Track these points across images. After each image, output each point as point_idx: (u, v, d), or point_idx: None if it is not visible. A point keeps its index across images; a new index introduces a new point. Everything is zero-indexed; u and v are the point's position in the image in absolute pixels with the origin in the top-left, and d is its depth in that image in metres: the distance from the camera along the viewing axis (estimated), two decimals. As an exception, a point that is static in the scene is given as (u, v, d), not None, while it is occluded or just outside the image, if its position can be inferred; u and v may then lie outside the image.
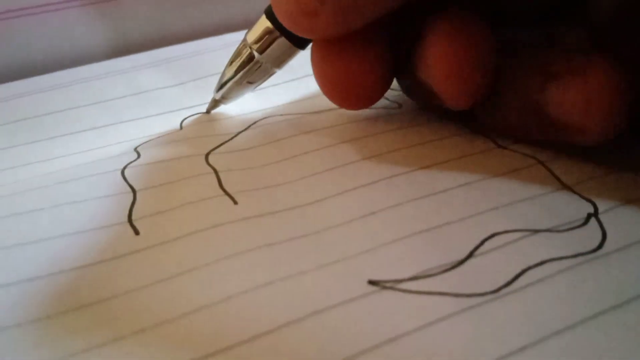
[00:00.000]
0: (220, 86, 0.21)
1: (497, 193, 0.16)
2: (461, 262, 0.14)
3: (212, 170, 0.18)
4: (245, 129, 0.21)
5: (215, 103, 0.22)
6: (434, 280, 0.14)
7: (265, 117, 0.21)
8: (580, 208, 0.16)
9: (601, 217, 0.15)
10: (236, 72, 0.20)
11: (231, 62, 0.20)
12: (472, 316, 0.13)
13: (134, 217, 0.16)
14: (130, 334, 0.12)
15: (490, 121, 0.19)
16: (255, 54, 0.19)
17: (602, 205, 0.16)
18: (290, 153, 0.19)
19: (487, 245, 0.15)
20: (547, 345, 0.12)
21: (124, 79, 0.25)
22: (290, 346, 0.12)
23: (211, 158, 0.19)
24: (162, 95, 0.24)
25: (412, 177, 0.17)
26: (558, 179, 0.17)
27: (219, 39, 0.28)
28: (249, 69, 0.20)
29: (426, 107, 0.21)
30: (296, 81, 0.24)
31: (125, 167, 0.18)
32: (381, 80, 0.19)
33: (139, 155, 0.19)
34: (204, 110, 0.22)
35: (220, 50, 0.27)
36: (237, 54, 0.20)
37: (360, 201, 0.16)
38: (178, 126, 0.22)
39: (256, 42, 0.19)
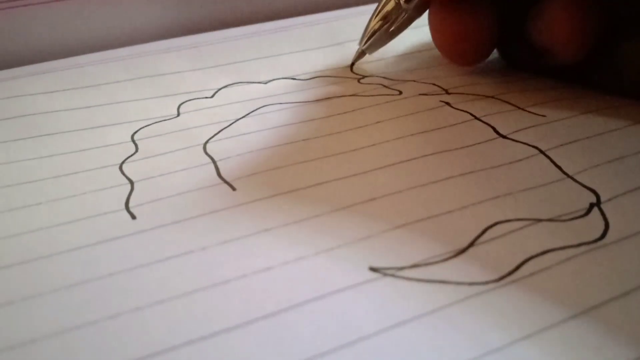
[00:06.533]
0: (367, 37, 0.23)
1: (498, 182, 0.16)
2: (463, 251, 0.14)
3: (210, 160, 0.18)
4: (244, 117, 0.20)
5: (360, 54, 0.24)
6: (435, 268, 0.13)
7: (263, 106, 0.21)
8: (582, 197, 0.16)
9: (603, 206, 0.15)
10: (383, 22, 0.22)
11: (377, 14, 0.23)
12: (474, 305, 0.13)
13: (131, 204, 0.16)
14: None
15: (603, 79, 0.21)
16: (403, 4, 0.22)
17: (604, 194, 0.16)
18: (288, 139, 0.19)
19: (489, 234, 0.14)
20: (550, 334, 0.12)
21: (122, 65, 0.25)
22: (288, 331, 0.12)
23: (209, 147, 0.18)
24: (159, 80, 0.24)
25: (412, 166, 0.17)
26: (560, 168, 0.17)
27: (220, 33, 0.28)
28: (396, 18, 0.22)
29: (530, 68, 0.23)
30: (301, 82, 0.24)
31: (123, 162, 0.18)
32: (491, 40, 0.22)
33: (137, 149, 0.19)
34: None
35: (219, 44, 0.26)
36: (382, 6, 0.22)
37: (360, 187, 0.16)
38: (175, 111, 0.21)
39: None
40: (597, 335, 0.12)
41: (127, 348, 0.12)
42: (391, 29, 0.22)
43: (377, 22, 0.23)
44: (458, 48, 0.21)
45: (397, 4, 0.22)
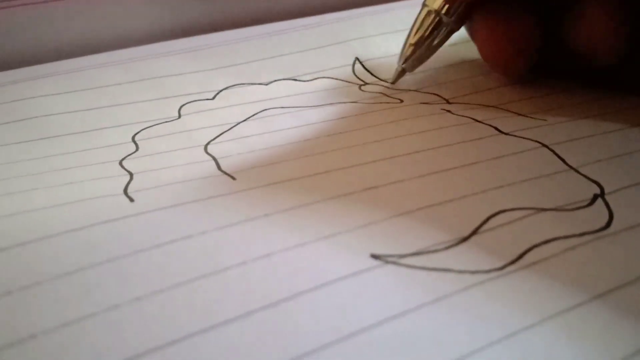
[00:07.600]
0: (407, 55, 0.22)
1: (502, 173, 0.16)
2: (466, 239, 0.14)
3: (211, 158, 0.18)
4: (245, 120, 0.20)
5: (400, 73, 0.23)
6: (438, 256, 0.13)
7: (265, 109, 0.21)
8: (586, 189, 0.15)
9: (607, 197, 0.15)
10: (423, 38, 0.22)
11: (415, 30, 0.22)
12: (477, 293, 0.12)
13: (129, 191, 0.16)
14: None
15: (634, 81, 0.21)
16: (444, 17, 0.21)
17: (608, 187, 0.15)
18: (290, 139, 0.19)
19: (492, 222, 0.14)
20: (553, 323, 0.12)
21: (122, 68, 0.25)
22: (288, 323, 0.12)
23: (210, 148, 0.18)
24: (160, 82, 0.24)
25: (415, 158, 0.17)
26: (563, 160, 0.17)
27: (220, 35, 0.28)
28: (437, 33, 0.21)
29: (562, 72, 0.22)
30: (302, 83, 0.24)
31: (123, 159, 0.18)
32: (533, 48, 0.21)
33: (137, 148, 0.19)
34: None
35: (220, 46, 0.27)
36: (421, 21, 0.22)
37: (362, 175, 0.16)
38: (176, 113, 0.21)
39: (442, 6, 0.21)
40: (601, 324, 0.12)
41: (127, 343, 0.11)
42: (433, 44, 0.22)
43: (416, 38, 0.22)
44: (512, 59, 0.21)
45: (436, 17, 0.21)
